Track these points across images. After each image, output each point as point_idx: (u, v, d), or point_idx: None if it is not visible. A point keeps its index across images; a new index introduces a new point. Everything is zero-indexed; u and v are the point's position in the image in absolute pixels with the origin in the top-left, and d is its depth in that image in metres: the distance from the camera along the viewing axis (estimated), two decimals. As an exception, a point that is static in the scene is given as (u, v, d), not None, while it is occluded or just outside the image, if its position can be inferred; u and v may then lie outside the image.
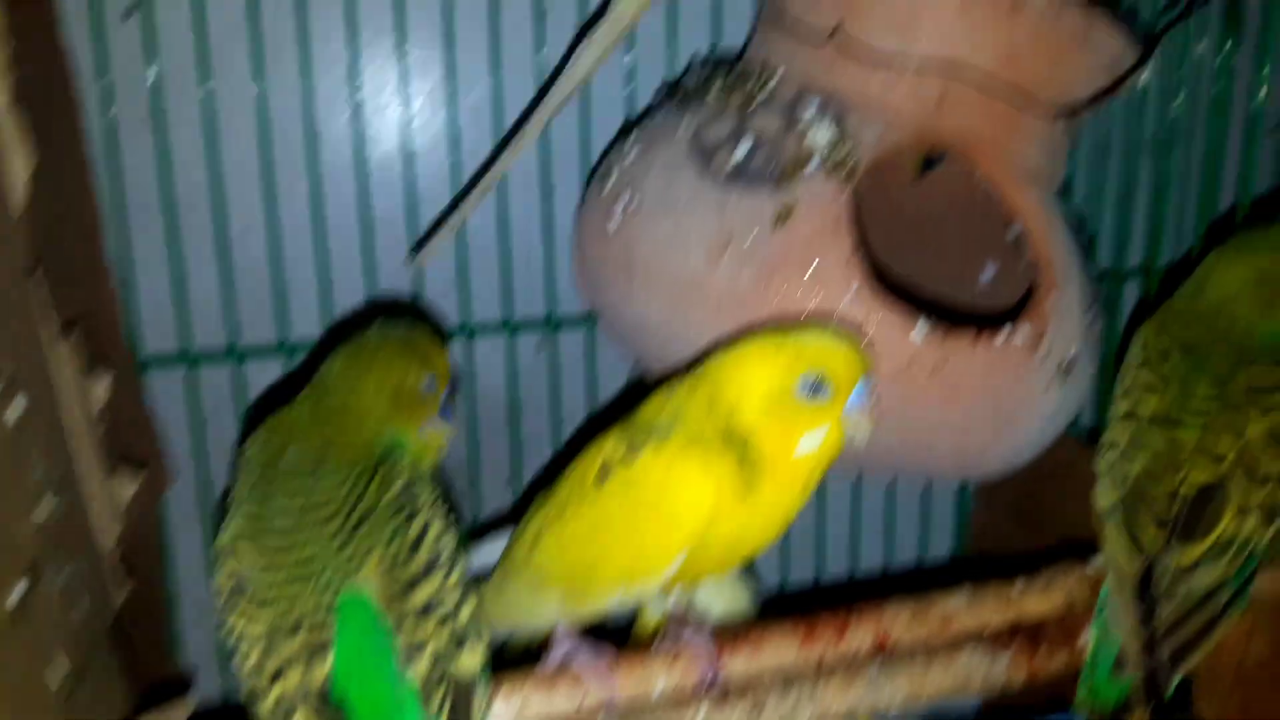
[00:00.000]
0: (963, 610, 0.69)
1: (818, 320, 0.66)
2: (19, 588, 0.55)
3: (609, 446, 0.59)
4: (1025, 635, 0.69)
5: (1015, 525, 1.04)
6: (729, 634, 0.66)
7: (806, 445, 0.56)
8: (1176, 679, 0.60)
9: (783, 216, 0.73)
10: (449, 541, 0.59)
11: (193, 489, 0.89)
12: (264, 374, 0.91)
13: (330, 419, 0.64)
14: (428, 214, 0.92)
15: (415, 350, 0.68)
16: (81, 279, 0.78)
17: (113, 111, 0.82)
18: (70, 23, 0.80)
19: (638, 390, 0.71)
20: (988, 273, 0.89)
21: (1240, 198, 1.00)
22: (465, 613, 0.56)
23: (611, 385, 0.99)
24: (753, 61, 0.83)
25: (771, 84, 0.80)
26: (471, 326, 0.93)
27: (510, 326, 0.95)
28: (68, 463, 0.68)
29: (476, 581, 0.62)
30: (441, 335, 0.81)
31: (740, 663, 0.65)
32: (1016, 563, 0.73)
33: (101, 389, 0.74)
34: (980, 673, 0.67)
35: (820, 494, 1.05)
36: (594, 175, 0.87)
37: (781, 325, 0.62)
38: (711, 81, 0.83)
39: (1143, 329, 0.74)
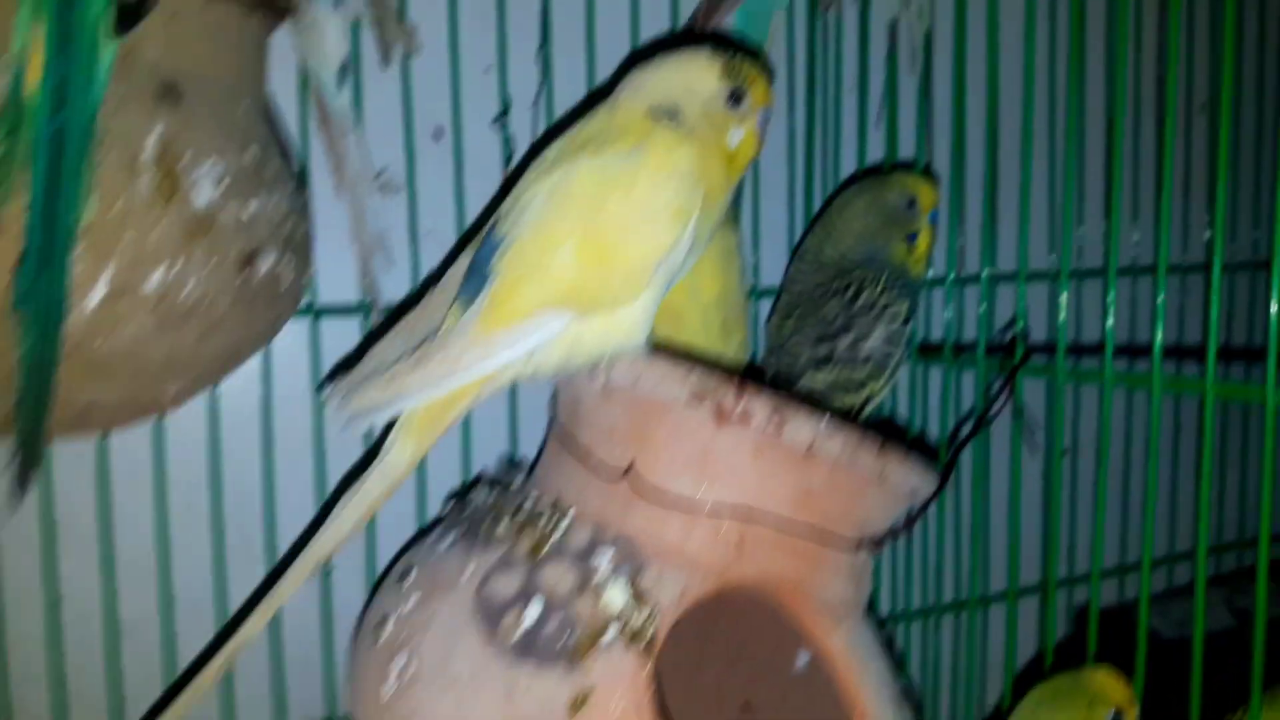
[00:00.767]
0: None
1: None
2: None
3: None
4: None
5: None
6: None
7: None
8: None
9: (578, 703, 0.65)
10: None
11: None
12: None
13: None
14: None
15: None
16: None
17: None
18: None
19: None
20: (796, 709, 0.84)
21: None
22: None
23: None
24: (544, 493, 0.77)
25: (564, 525, 0.73)
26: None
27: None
28: None
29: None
30: None
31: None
32: None
33: None
34: None
35: None
36: (367, 611, 0.78)
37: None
38: (499, 512, 0.76)
39: None
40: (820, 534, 0.73)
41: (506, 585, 0.70)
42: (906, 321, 0.87)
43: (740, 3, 0.94)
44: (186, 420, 0.86)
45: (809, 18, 1.05)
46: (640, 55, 0.90)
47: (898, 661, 0.80)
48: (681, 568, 0.71)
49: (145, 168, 0.64)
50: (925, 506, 0.77)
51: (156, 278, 0.65)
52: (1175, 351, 1.29)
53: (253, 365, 0.86)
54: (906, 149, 1.05)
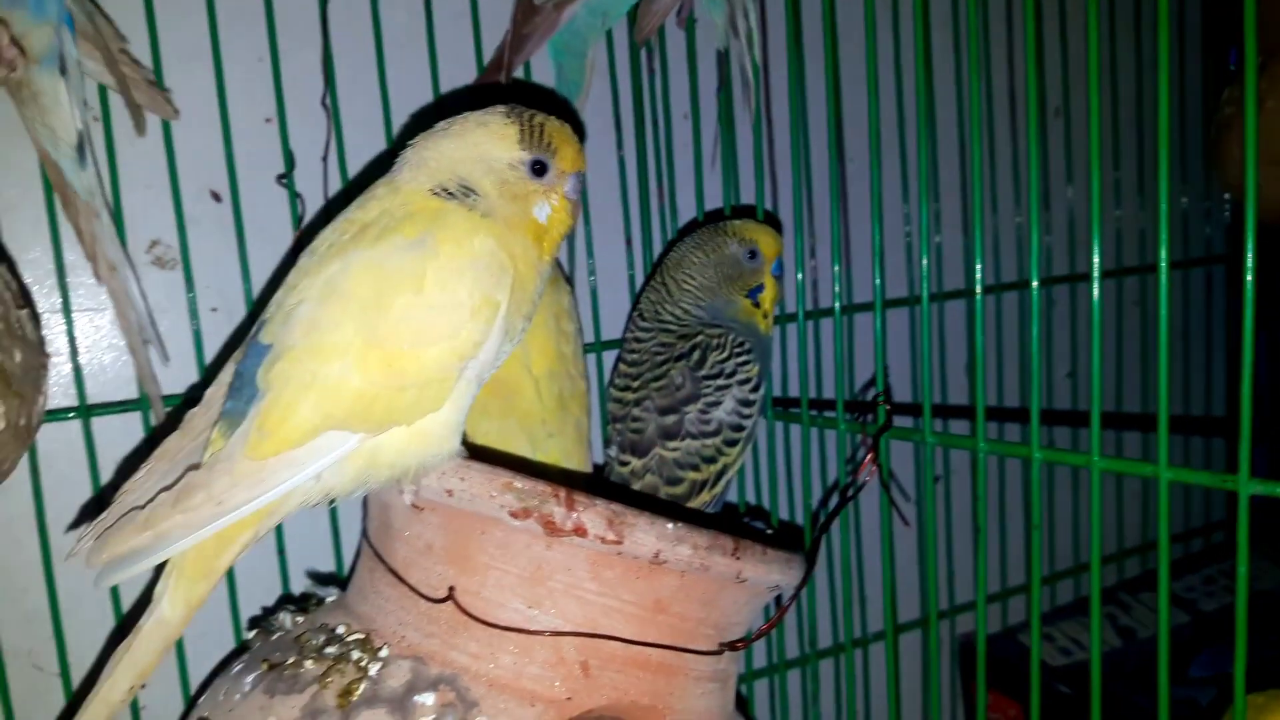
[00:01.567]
0: None
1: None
2: None
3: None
4: None
5: None
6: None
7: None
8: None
9: None
10: None
11: None
12: None
13: None
14: None
15: None
16: None
17: None
18: None
19: None
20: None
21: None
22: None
23: None
24: (355, 622, 0.66)
25: (377, 664, 0.63)
26: None
27: None
28: None
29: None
30: None
31: None
32: None
33: None
34: None
35: None
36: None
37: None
38: (305, 647, 0.65)
39: None
40: (676, 645, 0.65)
41: (314, 743, 0.60)
42: (758, 388, 0.79)
43: (550, 34, 0.84)
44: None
45: (630, 47, 0.96)
46: (442, 105, 0.80)
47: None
48: (519, 704, 0.61)
49: None
50: (795, 596, 0.70)
51: None
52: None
53: (21, 477, 0.73)
54: (747, 188, 0.97)
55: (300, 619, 0.71)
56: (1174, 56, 1.28)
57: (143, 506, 0.56)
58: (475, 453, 0.62)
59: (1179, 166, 1.37)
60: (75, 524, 0.79)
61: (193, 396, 0.73)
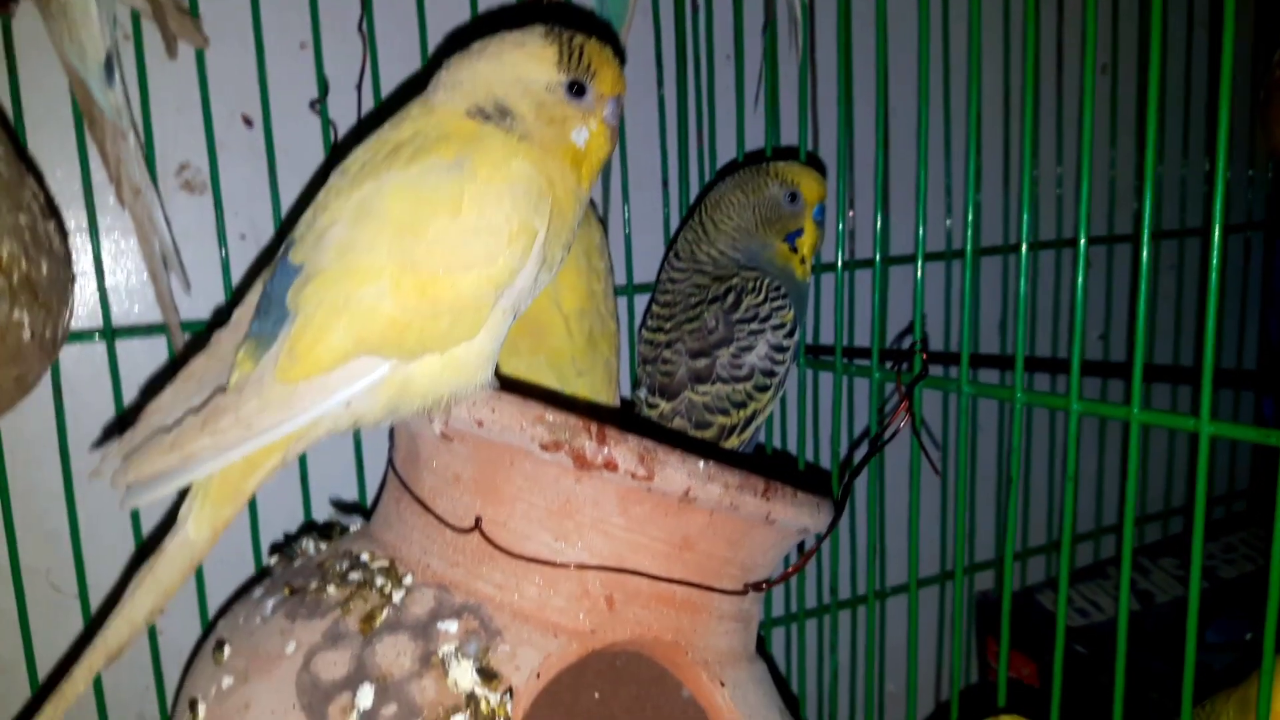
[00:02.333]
0: None
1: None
2: None
3: None
4: None
5: None
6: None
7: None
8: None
9: (420, 816, 0.55)
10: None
11: None
12: None
13: None
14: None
15: None
16: None
17: None
18: None
19: None
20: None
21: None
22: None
23: None
24: (380, 550, 0.66)
25: (401, 591, 0.62)
26: None
27: None
28: None
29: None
30: None
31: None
32: None
33: None
34: None
35: None
36: (180, 691, 0.67)
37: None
38: (328, 572, 0.65)
39: None
40: (701, 583, 0.64)
41: (335, 665, 0.60)
42: (792, 333, 0.78)
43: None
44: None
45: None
46: (478, 27, 0.78)
47: (791, 704, 0.72)
48: (542, 635, 0.61)
49: None
50: (821, 541, 0.69)
51: None
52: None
53: (44, 398, 0.72)
54: (789, 131, 0.95)
55: (324, 546, 0.71)
56: (1220, 18, 1.24)
57: (169, 428, 0.56)
58: (506, 384, 0.61)
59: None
60: (98, 446, 0.79)
61: (219, 321, 0.73)
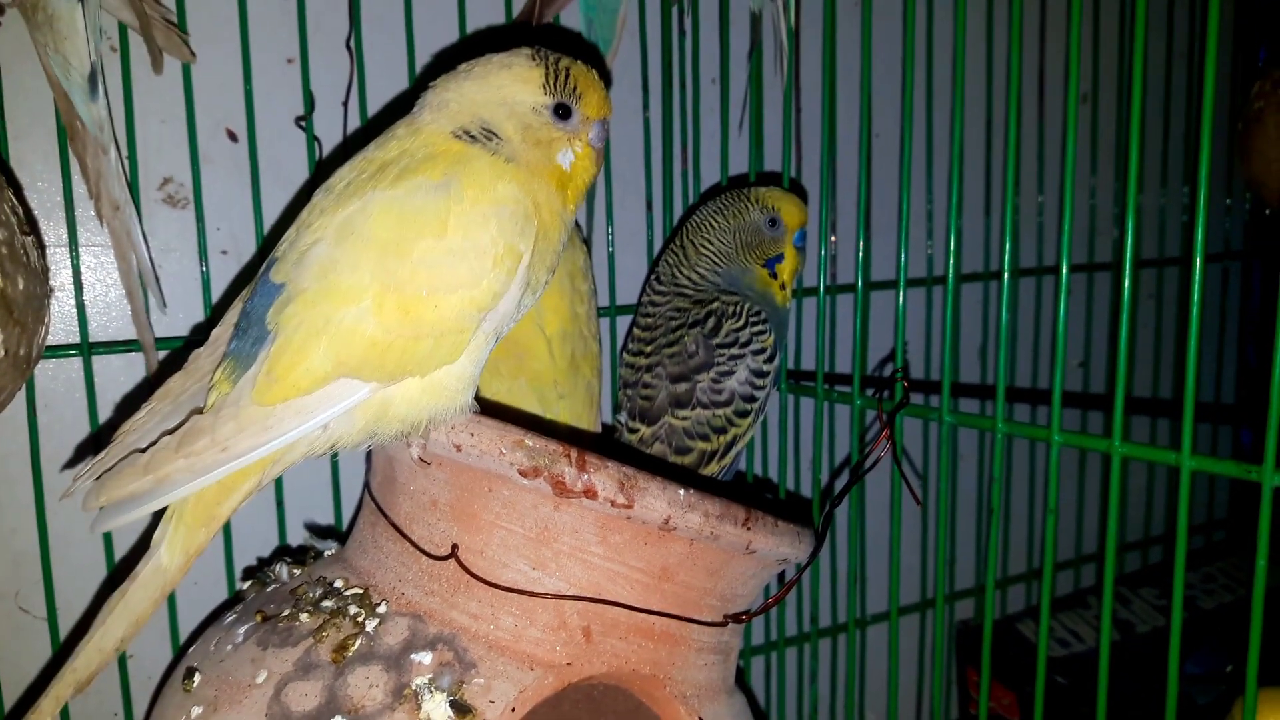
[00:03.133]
0: None
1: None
2: None
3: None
4: None
5: None
6: None
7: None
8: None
9: None
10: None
11: None
12: None
13: None
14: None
15: None
16: None
17: None
18: None
19: None
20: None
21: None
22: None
23: None
24: (354, 577, 0.65)
25: (375, 620, 0.61)
26: None
27: None
28: None
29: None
30: None
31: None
32: None
33: None
34: None
35: None
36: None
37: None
38: (300, 599, 0.64)
39: None
40: (680, 614, 0.63)
41: (306, 696, 0.59)
42: (772, 358, 0.78)
43: (581, -12, 0.81)
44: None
45: (662, 6, 0.93)
46: (466, 48, 0.78)
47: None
48: (518, 667, 0.60)
49: None
50: (802, 571, 0.68)
51: None
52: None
53: (17, 414, 0.71)
54: (773, 155, 0.95)
55: (297, 571, 0.70)
56: (1199, 50, 1.25)
57: (144, 449, 0.55)
58: (486, 408, 0.60)
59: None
60: (71, 464, 0.77)
61: (197, 339, 0.72)
